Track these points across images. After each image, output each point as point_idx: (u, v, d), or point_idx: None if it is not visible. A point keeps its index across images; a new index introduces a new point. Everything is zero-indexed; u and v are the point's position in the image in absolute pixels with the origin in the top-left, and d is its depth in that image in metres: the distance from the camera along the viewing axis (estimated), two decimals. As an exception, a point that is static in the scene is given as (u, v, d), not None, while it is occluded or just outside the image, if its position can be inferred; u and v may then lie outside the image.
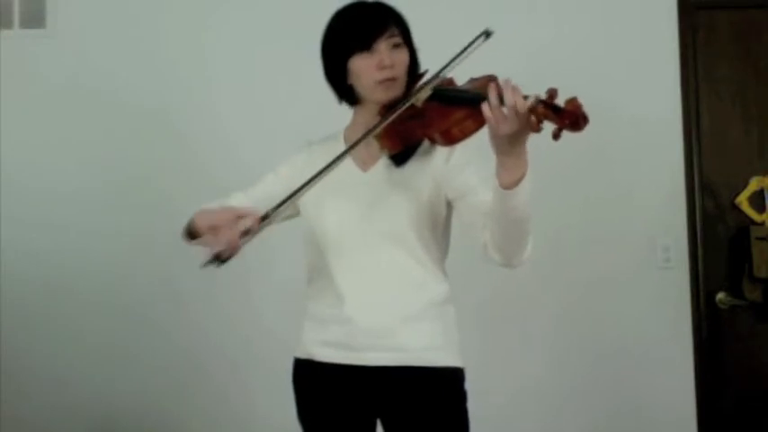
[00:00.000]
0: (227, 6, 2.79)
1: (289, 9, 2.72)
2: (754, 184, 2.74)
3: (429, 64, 1.60)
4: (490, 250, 1.45)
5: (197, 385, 2.68)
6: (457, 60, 1.48)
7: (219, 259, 1.37)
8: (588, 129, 1.24)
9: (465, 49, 1.48)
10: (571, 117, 1.24)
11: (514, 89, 1.26)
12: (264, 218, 1.42)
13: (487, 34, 1.48)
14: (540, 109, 1.25)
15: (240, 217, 1.40)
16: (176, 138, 2.74)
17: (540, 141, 1.32)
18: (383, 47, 1.56)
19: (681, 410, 2.66)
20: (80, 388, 2.68)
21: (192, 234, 1.57)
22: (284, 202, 1.46)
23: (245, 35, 2.77)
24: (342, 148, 1.60)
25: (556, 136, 1.26)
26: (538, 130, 1.27)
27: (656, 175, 2.73)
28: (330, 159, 1.49)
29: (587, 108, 1.25)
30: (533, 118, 1.26)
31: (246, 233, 1.37)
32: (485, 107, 1.29)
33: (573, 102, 1.24)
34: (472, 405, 1.60)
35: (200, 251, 2.80)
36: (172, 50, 2.78)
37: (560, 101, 1.26)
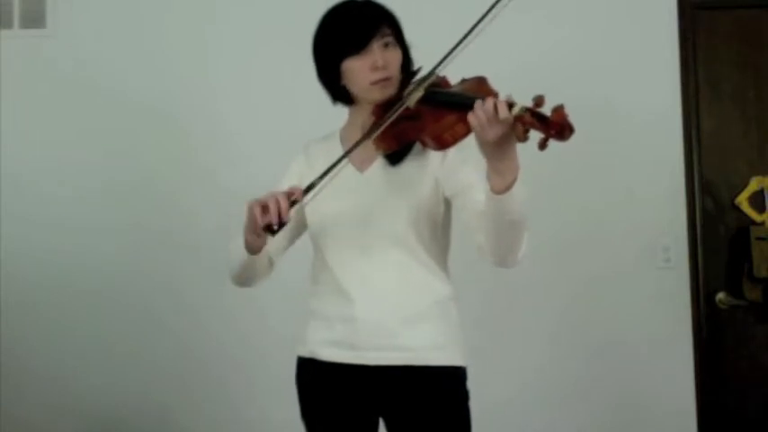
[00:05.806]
0: (228, 6, 2.79)
1: (289, 9, 2.71)
2: (754, 184, 2.74)
3: (425, 62, 1.59)
4: (484, 251, 1.46)
5: (199, 384, 2.68)
6: (475, 30, 1.43)
7: (270, 229, 1.40)
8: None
9: (484, 15, 1.43)
10: (556, 127, 1.19)
11: (498, 97, 1.25)
12: (308, 189, 1.43)
13: None
14: (527, 118, 1.22)
15: (286, 194, 1.43)
16: (177, 137, 2.74)
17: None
18: (375, 47, 1.55)
19: (681, 410, 2.66)
20: (81, 387, 2.68)
21: (250, 249, 1.55)
22: (325, 173, 1.45)
23: (246, 35, 2.77)
24: (339, 147, 1.60)
25: (542, 146, 1.21)
26: (524, 139, 1.24)
27: (656, 174, 2.72)
28: (329, 160, 1.48)
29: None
30: (519, 127, 1.23)
31: (294, 203, 1.41)
32: (470, 114, 1.28)
33: (559, 111, 1.20)
34: (473, 400, 1.61)
35: (202, 251, 2.79)
36: (172, 50, 2.78)
37: (547, 108, 1.21)
